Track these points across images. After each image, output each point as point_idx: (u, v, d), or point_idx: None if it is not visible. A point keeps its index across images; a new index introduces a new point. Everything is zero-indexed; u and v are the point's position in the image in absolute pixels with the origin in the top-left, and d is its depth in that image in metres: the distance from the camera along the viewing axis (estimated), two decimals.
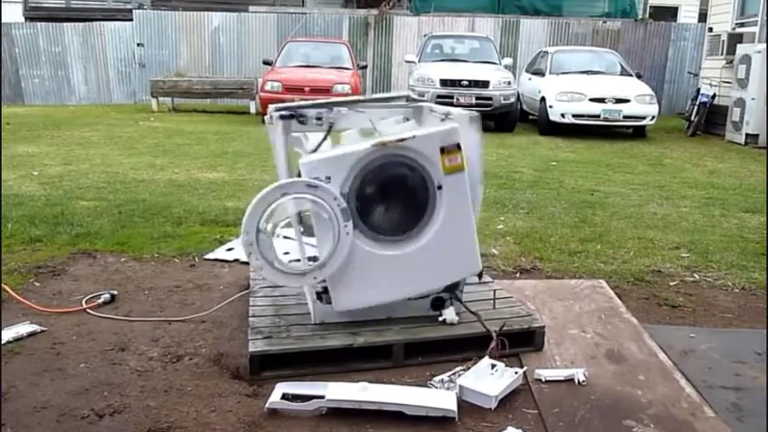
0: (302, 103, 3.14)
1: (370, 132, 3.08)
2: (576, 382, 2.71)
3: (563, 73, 12.18)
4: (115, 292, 3.54)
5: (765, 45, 10.54)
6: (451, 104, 11.16)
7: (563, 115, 11.18)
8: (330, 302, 2.90)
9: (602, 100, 11.12)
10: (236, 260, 4.17)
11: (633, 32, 16.23)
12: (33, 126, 10.85)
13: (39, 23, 16.36)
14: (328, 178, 2.72)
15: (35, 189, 6.09)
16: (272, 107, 3.03)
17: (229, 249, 4.37)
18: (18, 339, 2.98)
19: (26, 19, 17.60)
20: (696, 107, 12.10)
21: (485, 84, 11.56)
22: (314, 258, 2.94)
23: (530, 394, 2.63)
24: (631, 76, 12.21)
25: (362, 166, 2.77)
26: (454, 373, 2.71)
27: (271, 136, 3.09)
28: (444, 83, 11.58)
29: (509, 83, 11.84)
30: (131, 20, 16.20)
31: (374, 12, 16.28)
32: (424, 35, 14.36)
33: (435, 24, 15.95)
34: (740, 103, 10.88)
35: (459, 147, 2.86)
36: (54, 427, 2.34)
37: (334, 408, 2.44)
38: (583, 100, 11.18)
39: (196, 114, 13.64)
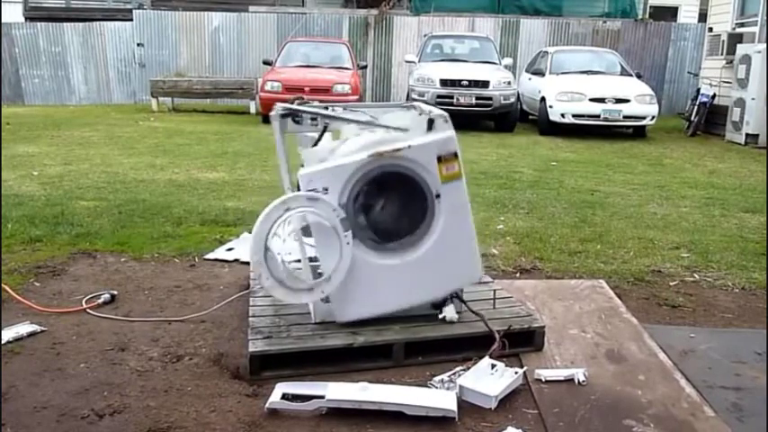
0: (314, 104, 3.14)
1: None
2: (576, 382, 2.71)
3: (563, 73, 12.18)
4: (115, 292, 3.54)
5: (765, 45, 10.54)
6: (452, 104, 11.19)
7: (563, 115, 11.18)
8: (330, 301, 2.91)
9: (602, 100, 11.12)
10: (236, 260, 4.17)
11: (633, 32, 16.23)
12: (33, 126, 10.85)
13: (39, 23, 16.36)
14: (325, 189, 2.73)
15: (35, 189, 6.09)
16: (278, 105, 3.03)
17: (229, 249, 4.37)
18: (18, 339, 2.98)
19: (26, 19, 17.60)
20: (696, 107, 12.10)
21: (485, 84, 11.56)
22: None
23: (530, 394, 2.63)
24: (631, 76, 12.21)
25: (360, 176, 2.78)
26: (454, 373, 2.71)
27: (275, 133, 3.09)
28: (444, 83, 11.58)
29: (509, 83, 11.84)
30: (131, 20, 16.20)
31: (374, 12, 16.28)
32: (424, 35, 14.36)
33: (435, 24, 15.95)
34: (740, 103, 10.88)
35: (456, 155, 2.86)
36: (54, 427, 2.34)
37: (334, 408, 2.44)
38: (583, 100, 11.18)
39: (196, 114, 13.64)
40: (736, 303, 3.73)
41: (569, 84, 11.58)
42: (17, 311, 3.29)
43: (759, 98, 10.44)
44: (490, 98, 11.47)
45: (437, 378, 2.69)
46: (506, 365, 2.69)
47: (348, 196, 2.77)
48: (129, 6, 17.35)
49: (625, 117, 11.18)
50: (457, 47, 13.70)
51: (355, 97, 11.60)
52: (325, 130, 3.01)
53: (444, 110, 3.15)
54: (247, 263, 4.01)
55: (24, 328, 3.07)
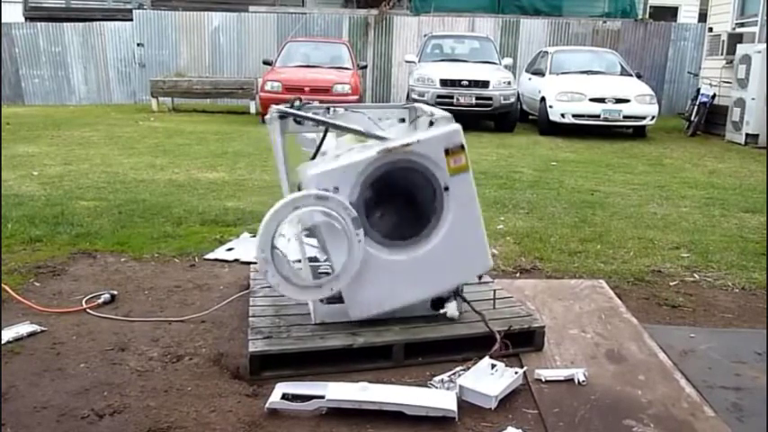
0: (314, 105, 3.15)
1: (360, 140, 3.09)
2: (576, 382, 2.71)
3: (563, 73, 12.18)
4: (115, 292, 3.54)
5: (765, 45, 10.54)
6: (452, 104, 11.20)
7: (563, 115, 11.18)
8: (330, 302, 2.91)
9: (602, 100, 11.12)
10: (236, 260, 4.17)
11: (633, 32, 16.23)
12: (33, 126, 10.85)
13: (39, 23, 16.36)
14: (336, 189, 2.73)
15: (35, 189, 6.09)
16: (273, 108, 3.03)
17: (229, 249, 4.37)
18: (18, 339, 2.99)
19: (26, 19, 17.60)
20: (696, 107, 12.10)
21: (485, 84, 11.56)
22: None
23: (530, 394, 2.63)
24: (631, 76, 12.20)
25: (369, 173, 2.79)
26: (454, 373, 2.71)
27: (270, 134, 3.10)
28: (444, 83, 11.58)
29: (509, 83, 11.84)
30: (131, 20, 16.20)
31: (374, 12, 16.28)
32: (424, 35, 14.35)
33: (435, 24, 15.95)
34: (740, 103, 10.88)
35: (462, 147, 2.87)
36: (54, 427, 2.34)
37: (334, 408, 2.44)
38: (583, 100, 11.18)
39: (196, 114, 13.64)
40: (736, 303, 3.73)
41: (569, 84, 11.58)
42: (17, 311, 3.29)
43: (759, 98, 10.44)
44: (490, 98, 11.47)
45: (437, 378, 2.69)
46: (506, 365, 2.69)
47: (359, 194, 2.78)
48: (129, 6, 17.35)
49: (625, 117, 11.18)
50: (457, 47, 13.70)
51: (355, 97, 11.60)
52: (326, 132, 3.02)
53: (444, 110, 3.17)
54: (247, 263, 4.02)
55: (24, 328, 3.07)
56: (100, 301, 3.45)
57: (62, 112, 13.57)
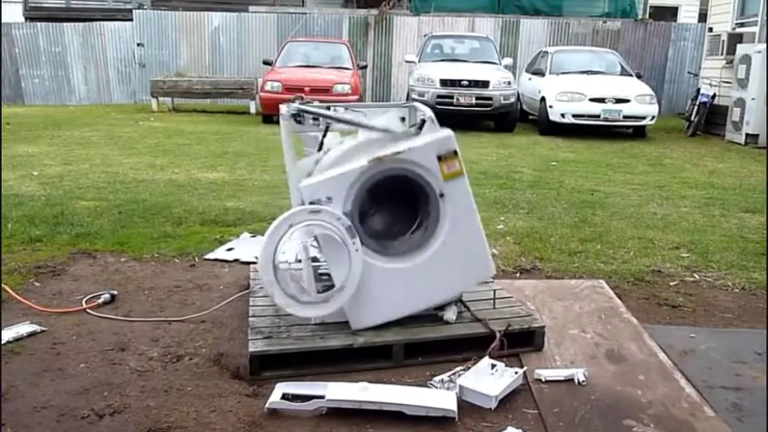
0: (315, 104, 3.15)
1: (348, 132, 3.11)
2: (576, 382, 2.71)
3: (563, 73, 12.18)
4: (115, 292, 3.54)
5: (765, 45, 10.54)
6: (452, 104, 11.19)
7: (563, 115, 11.17)
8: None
9: (602, 100, 11.12)
10: (236, 260, 4.17)
11: (633, 32, 16.23)
12: (33, 126, 10.85)
13: (39, 23, 16.36)
14: (329, 198, 2.73)
15: (35, 189, 6.09)
16: (291, 105, 3.04)
17: (229, 249, 4.37)
18: (18, 339, 2.99)
19: (26, 19, 17.60)
20: (696, 107, 12.10)
21: (485, 84, 11.56)
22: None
23: (530, 394, 2.63)
24: (631, 76, 12.20)
25: (362, 182, 2.79)
26: (454, 373, 2.71)
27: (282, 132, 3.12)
28: (444, 83, 11.57)
29: (509, 83, 11.84)
30: (131, 20, 16.19)
31: (374, 12, 16.27)
32: (424, 35, 14.34)
33: (435, 24, 15.95)
34: (740, 103, 10.88)
35: (455, 153, 2.87)
36: (54, 427, 2.34)
37: (334, 408, 2.44)
38: (583, 100, 11.17)
39: (196, 114, 13.64)
40: (736, 303, 3.73)
41: (569, 84, 11.57)
42: (17, 311, 3.29)
43: (759, 98, 10.44)
44: (490, 98, 11.47)
45: (437, 378, 2.70)
46: (506, 365, 2.69)
47: (353, 204, 2.78)
48: (129, 6, 17.35)
49: (625, 117, 11.17)
50: (457, 47, 13.69)
51: (355, 97, 11.60)
52: (327, 130, 3.02)
53: (444, 110, 3.18)
54: (247, 263, 4.02)
55: (24, 328, 3.07)
56: (100, 301, 3.45)
57: (62, 112, 13.57)
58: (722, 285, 4.01)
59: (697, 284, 4.02)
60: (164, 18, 16.20)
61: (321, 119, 3.02)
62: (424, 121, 2.95)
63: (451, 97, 11.39)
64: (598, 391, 2.66)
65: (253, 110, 13.63)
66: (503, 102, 11.53)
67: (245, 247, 4.38)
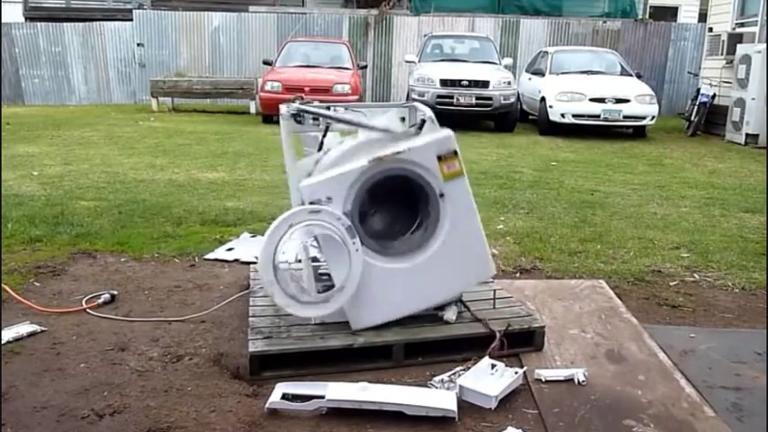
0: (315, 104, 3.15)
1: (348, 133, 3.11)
2: (576, 382, 2.71)
3: (563, 73, 12.18)
4: (115, 292, 3.54)
5: (765, 45, 10.54)
6: (452, 104, 11.19)
7: (563, 115, 11.17)
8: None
9: (602, 100, 11.12)
10: (236, 260, 4.17)
11: (633, 32, 16.23)
12: (33, 126, 10.85)
13: (39, 23, 16.36)
14: (329, 199, 2.74)
15: (35, 189, 6.09)
16: (291, 106, 3.04)
17: (229, 249, 4.37)
18: (18, 339, 2.99)
19: (26, 19, 17.60)
20: (696, 107, 12.10)
21: (485, 84, 11.56)
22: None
23: (530, 394, 2.63)
24: (631, 76, 12.20)
25: (362, 182, 2.79)
26: (454, 373, 2.71)
27: (282, 132, 3.12)
28: (444, 83, 11.57)
29: (509, 83, 11.84)
30: (131, 20, 16.19)
31: (374, 12, 16.27)
32: (424, 35, 14.34)
33: (435, 24, 15.95)
34: (740, 103, 10.88)
35: (455, 153, 2.87)
36: (54, 427, 2.34)
37: (334, 408, 2.44)
38: (583, 100, 11.17)
39: (196, 114, 13.64)
40: (736, 303, 3.73)
41: (569, 84, 11.57)
42: (17, 311, 3.29)
43: (759, 98, 10.44)
44: (490, 98, 11.47)
45: (437, 378, 2.70)
46: (506, 365, 2.69)
47: (352, 204, 2.78)
48: (129, 6, 17.35)
49: (625, 117, 11.17)
50: (457, 47, 13.69)
51: (355, 97, 11.60)
52: (327, 130, 3.03)
53: (444, 110, 3.18)
54: (247, 263, 4.02)
55: (24, 328, 3.07)
56: (100, 301, 3.45)
57: (62, 112, 13.57)
58: (722, 285, 4.01)
59: (697, 284, 4.03)
60: (164, 18, 16.20)
61: (321, 119, 3.02)
62: (424, 121, 2.95)
63: (451, 97, 11.39)
64: (598, 391, 2.66)
65: (253, 110, 13.63)
66: (503, 102, 11.53)
67: (245, 247, 4.38)
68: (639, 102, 11.22)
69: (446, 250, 2.91)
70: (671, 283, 4.01)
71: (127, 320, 3.25)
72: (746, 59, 10.81)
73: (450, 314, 2.98)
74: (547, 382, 2.71)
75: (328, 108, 3.10)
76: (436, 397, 2.52)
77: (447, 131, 2.91)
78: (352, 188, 2.78)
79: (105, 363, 2.82)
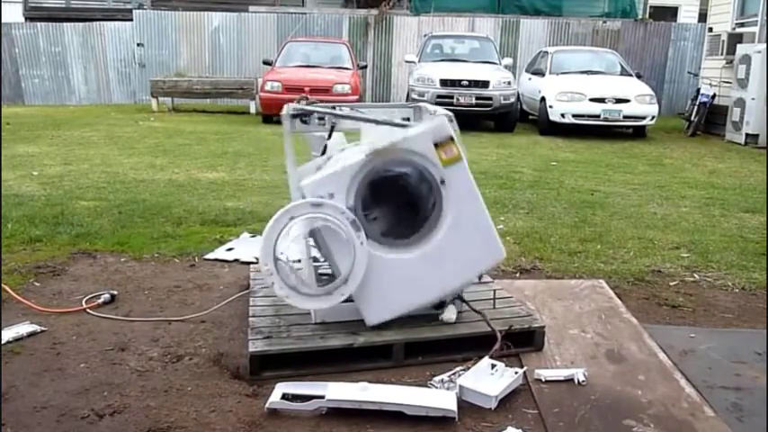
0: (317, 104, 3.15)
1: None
2: (576, 382, 2.71)
3: (563, 73, 12.18)
4: (115, 292, 3.54)
5: (765, 45, 10.54)
6: (451, 104, 11.18)
7: (563, 115, 11.17)
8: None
9: (602, 100, 11.12)
10: (236, 260, 4.17)
11: (633, 32, 16.23)
12: (33, 126, 10.85)
13: (39, 23, 16.36)
14: (331, 195, 2.74)
15: (35, 189, 6.09)
16: (290, 106, 3.04)
17: (229, 249, 4.37)
18: (18, 339, 2.99)
19: (26, 19, 17.60)
20: (696, 107, 12.10)
21: (485, 84, 11.56)
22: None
23: (530, 394, 2.63)
24: (631, 76, 12.20)
25: (362, 176, 2.80)
26: (454, 373, 2.71)
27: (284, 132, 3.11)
28: (444, 83, 11.57)
29: (509, 83, 11.84)
30: (131, 20, 16.19)
31: (374, 12, 16.28)
32: (424, 35, 14.35)
33: (435, 24, 15.95)
34: (740, 103, 10.88)
35: (452, 138, 2.87)
36: (54, 427, 2.34)
37: (334, 408, 2.44)
38: (583, 100, 11.17)
39: (196, 114, 13.64)
40: (736, 303, 3.73)
41: (569, 84, 11.57)
42: (17, 311, 3.29)
43: (759, 98, 10.44)
44: (490, 98, 11.47)
45: (437, 378, 2.70)
46: (506, 365, 2.69)
47: (355, 198, 2.79)
48: (129, 6, 17.35)
49: (625, 117, 11.18)
50: (457, 47, 13.69)
51: (355, 97, 11.60)
52: (332, 129, 3.02)
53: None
54: (247, 263, 4.02)
55: (24, 328, 3.07)
56: (100, 301, 3.45)
57: (62, 112, 13.57)
58: (722, 285, 4.01)
59: (697, 284, 4.02)
60: (164, 18, 16.20)
61: (327, 118, 3.02)
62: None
63: (451, 97, 11.39)
64: (598, 391, 2.66)
65: (253, 110, 13.63)
66: (503, 102, 11.53)
67: (245, 247, 4.38)
68: (639, 102, 11.22)
69: (454, 236, 2.90)
70: (671, 283, 4.01)
71: (127, 320, 3.25)
72: (746, 59, 10.81)
73: (449, 314, 2.97)
74: (547, 382, 2.71)
75: (333, 108, 3.10)
76: (436, 397, 2.52)
77: (442, 118, 2.90)
78: (353, 183, 2.78)
79: (105, 363, 2.82)
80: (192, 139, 9.84)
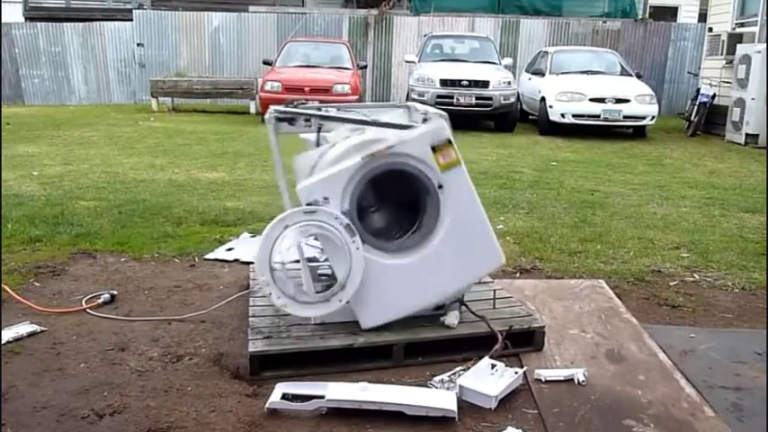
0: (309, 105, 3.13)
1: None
2: (576, 382, 2.71)
3: (563, 73, 12.18)
4: (115, 292, 3.54)
5: (765, 45, 10.54)
6: (452, 104, 11.19)
7: (563, 115, 11.17)
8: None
9: (602, 100, 11.12)
10: (236, 260, 4.17)
11: (633, 32, 16.23)
12: (33, 126, 10.85)
13: (39, 23, 16.36)
14: (326, 199, 2.72)
15: (35, 189, 6.09)
16: (272, 108, 3.02)
17: (229, 249, 4.37)
18: (18, 339, 2.99)
19: (26, 19, 17.60)
20: (696, 107, 12.10)
21: (485, 84, 11.56)
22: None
23: (530, 394, 2.63)
24: (631, 76, 12.20)
25: (358, 180, 2.77)
26: (454, 373, 2.71)
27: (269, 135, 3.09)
28: (444, 83, 11.57)
29: (509, 83, 11.84)
30: (131, 20, 16.19)
31: (374, 12, 16.27)
32: (424, 35, 14.34)
33: (435, 24, 15.95)
34: (740, 103, 10.88)
35: (450, 142, 2.85)
36: (54, 427, 2.34)
37: (334, 408, 2.44)
38: (583, 100, 11.18)
39: (196, 114, 13.64)
40: (736, 303, 3.73)
41: (569, 84, 11.57)
42: (17, 311, 3.29)
43: (759, 98, 10.44)
44: (490, 98, 11.47)
45: (437, 378, 2.70)
46: (506, 365, 2.69)
47: (350, 202, 2.76)
48: (129, 6, 17.35)
49: (625, 117, 11.18)
50: (457, 47, 13.69)
51: (355, 97, 11.60)
52: (319, 130, 3.00)
53: (444, 110, 3.15)
54: (247, 263, 4.02)
55: (24, 328, 3.07)
56: (100, 301, 3.45)
57: (62, 112, 13.57)
58: (722, 285, 4.01)
59: (697, 284, 4.02)
60: (164, 18, 16.21)
61: (313, 119, 3.00)
62: (425, 120, 2.94)
63: (451, 97, 11.39)
64: (598, 391, 2.66)
65: (253, 110, 13.63)
66: (503, 102, 11.53)
67: (244, 247, 4.38)
68: (639, 102, 11.22)
69: (452, 241, 2.89)
70: (671, 283, 4.01)
71: (127, 320, 3.25)
72: (746, 59, 10.82)
73: (451, 318, 2.96)
74: (547, 382, 2.71)
75: (319, 109, 3.08)
76: (436, 397, 2.52)
77: (439, 121, 2.87)
78: (348, 187, 2.76)
79: (105, 363, 2.82)
80: (192, 139, 9.84)
